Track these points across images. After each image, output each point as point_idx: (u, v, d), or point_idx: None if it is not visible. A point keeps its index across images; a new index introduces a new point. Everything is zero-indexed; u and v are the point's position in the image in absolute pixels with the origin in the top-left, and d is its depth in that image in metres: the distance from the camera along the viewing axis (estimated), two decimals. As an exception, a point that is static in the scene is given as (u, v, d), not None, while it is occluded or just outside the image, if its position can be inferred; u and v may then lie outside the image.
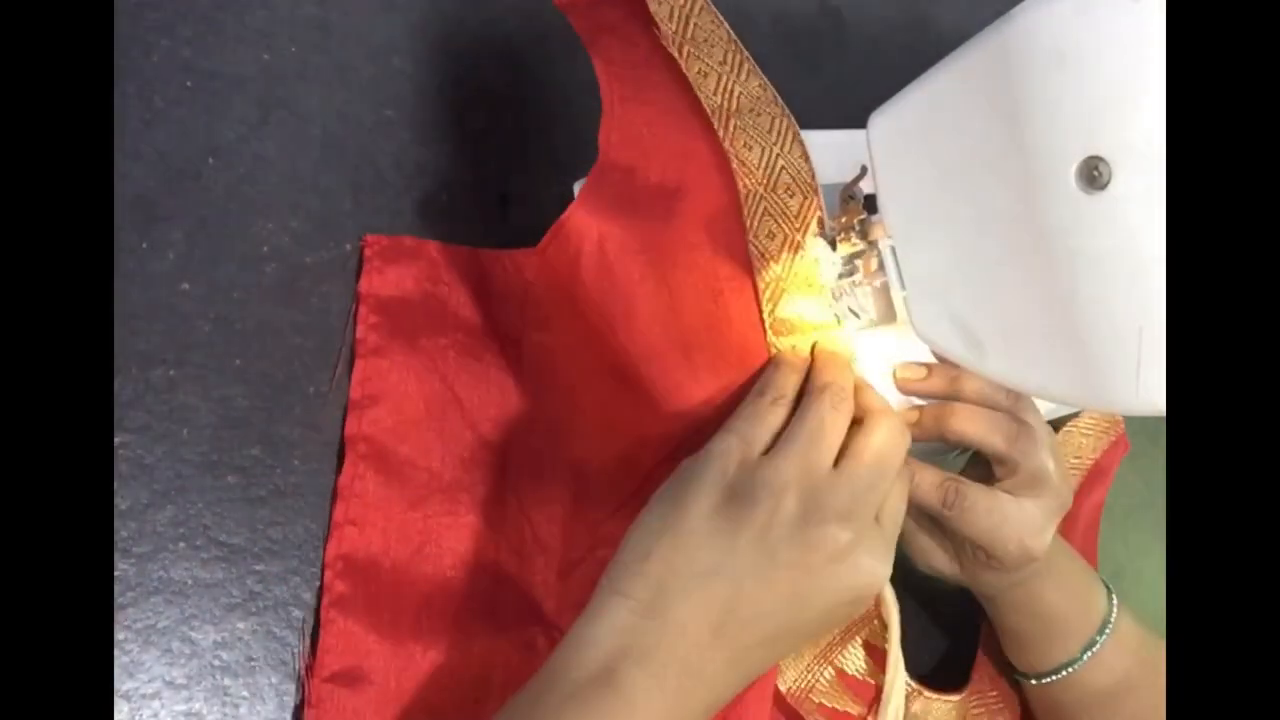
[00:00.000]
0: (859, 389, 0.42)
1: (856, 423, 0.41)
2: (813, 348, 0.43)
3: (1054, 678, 0.50)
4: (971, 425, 0.45)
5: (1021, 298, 0.37)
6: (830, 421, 0.40)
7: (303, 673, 0.43)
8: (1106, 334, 0.35)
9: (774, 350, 0.43)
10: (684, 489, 0.40)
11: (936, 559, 0.49)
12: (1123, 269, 0.34)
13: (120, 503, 0.41)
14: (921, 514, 0.47)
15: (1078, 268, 0.35)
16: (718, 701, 0.39)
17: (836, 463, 0.40)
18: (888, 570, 0.40)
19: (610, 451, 0.47)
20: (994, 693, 0.54)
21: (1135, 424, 0.66)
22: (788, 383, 0.42)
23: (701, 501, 0.39)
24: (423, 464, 0.46)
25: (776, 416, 0.41)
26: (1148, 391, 0.35)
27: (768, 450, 0.40)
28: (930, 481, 0.45)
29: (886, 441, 0.40)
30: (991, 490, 0.45)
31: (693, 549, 0.39)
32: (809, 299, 0.44)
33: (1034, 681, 0.51)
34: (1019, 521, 0.45)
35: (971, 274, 0.39)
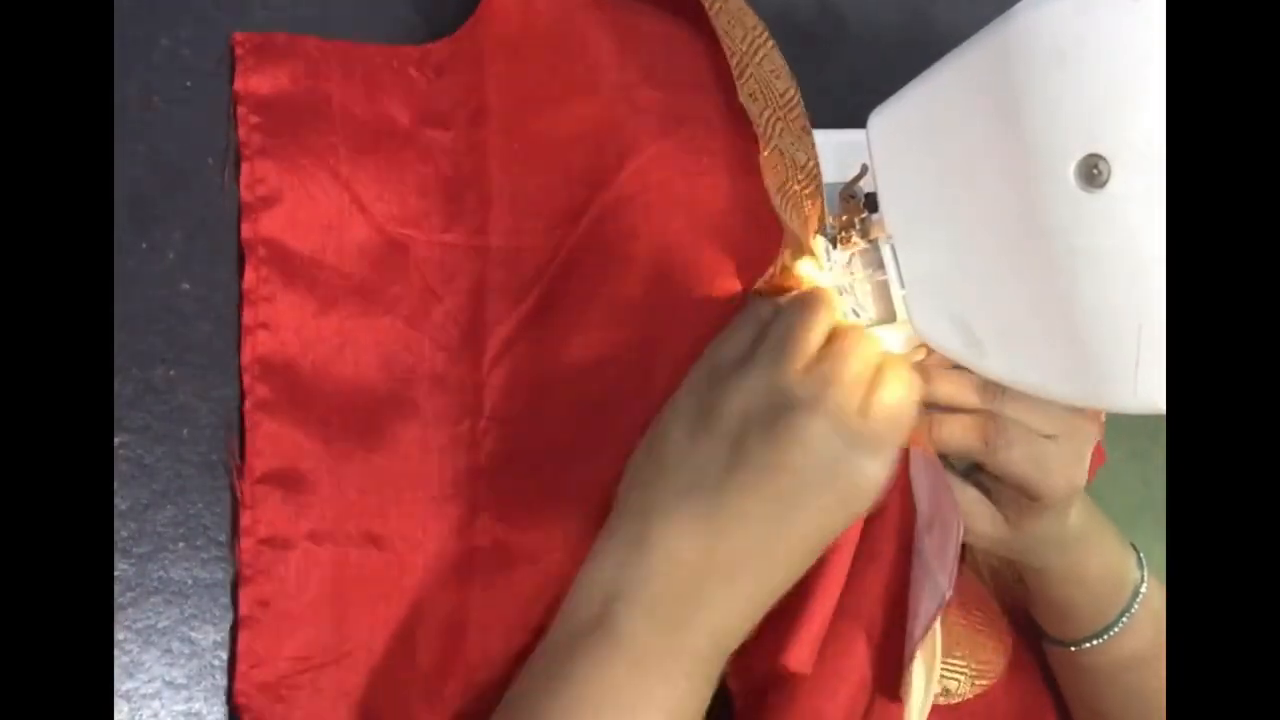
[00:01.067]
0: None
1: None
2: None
3: (1096, 642, 0.51)
4: (943, 432, 0.44)
5: (1021, 296, 0.37)
6: (800, 322, 0.39)
7: (233, 477, 0.42)
8: (1106, 332, 0.35)
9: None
10: (663, 417, 0.40)
11: (981, 522, 0.47)
12: (1122, 267, 0.34)
13: (120, 503, 0.41)
14: (959, 478, 0.47)
15: (1077, 266, 0.35)
16: (724, 627, 0.38)
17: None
18: (880, 468, 0.38)
19: (537, 227, 0.46)
20: (979, 612, 0.52)
21: (1135, 424, 0.66)
22: (762, 306, 0.41)
23: (678, 423, 0.39)
24: (330, 264, 0.45)
25: (748, 333, 0.40)
26: (1147, 390, 0.35)
27: None
28: (966, 423, 0.44)
29: (865, 341, 0.39)
30: (1027, 430, 0.44)
31: (671, 470, 0.38)
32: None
33: (1074, 648, 0.51)
34: (1058, 455, 0.44)
35: (971, 272, 0.39)
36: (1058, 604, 0.51)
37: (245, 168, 0.45)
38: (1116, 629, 0.50)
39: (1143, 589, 0.51)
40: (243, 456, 0.43)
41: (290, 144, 0.45)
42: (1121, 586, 0.50)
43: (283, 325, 0.44)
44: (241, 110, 0.45)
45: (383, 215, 0.46)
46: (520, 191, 0.47)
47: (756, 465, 0.37)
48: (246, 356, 0.44)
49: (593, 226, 0.46)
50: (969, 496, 0.47)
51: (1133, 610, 0.50)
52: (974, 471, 0.48)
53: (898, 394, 0.39)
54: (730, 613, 0.38)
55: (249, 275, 0.44)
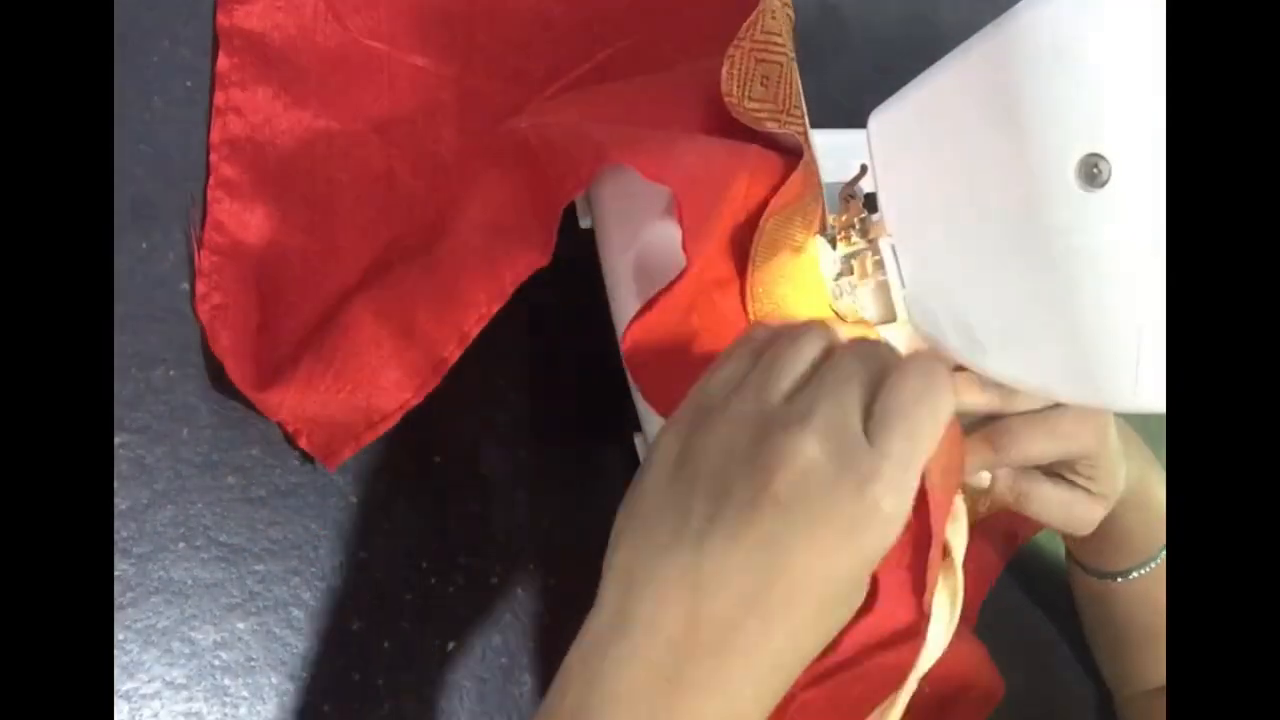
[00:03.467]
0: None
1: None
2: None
3: (1146, 570, 0.52)
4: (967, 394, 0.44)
5: (1021, 296, 0.37)
6: (790, 352, 0.33)
7: (193, 245, 0.44)
8: (1106, 332, 0.35)
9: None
10: (643, 468, 0.34)
11: (1079, 505, 0.48)
12: (1122, 267, 0.34)
13: (120, 503, 0.41)
14: (1036, 479, 0.47)
15: (1077, 265, 0.35)
16: (727, 710, 0.30)
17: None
18: (892, 494, 0.30)
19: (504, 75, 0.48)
20: None
21: (1135, 424, 0.66)
22: (756, 336, 0.36)
23: (659, 466, 0.33)
24: (303, 65, 0.46)
25: (738, 366, 0.34)
26: (1147, 390, 0.35)
27: None
28: (974, 447, 0.44)
29: (864, 345, 0.34)
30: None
31: (652, 522, 0.32)
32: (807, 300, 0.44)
33: (1120, 579, 0.53)
34: (1071, 417, 0.45)
35: (971, 272, 0.39)
36: (1117, 535, 0.52)
37: None
38: (1159, 559, 0.52)
39: None
40: (202, 229, 0.44)
41: None
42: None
43: (254, 110, 0.45)
44: None
45: (358, 28, 0.47)
46: (497, 40, 0.49)
47: (738, 503, 0.30)
48: (215, 137, 0.45)
49: (558, 93, 0.47)
50: (1062, 492, 0.48)
51: None
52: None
53: (908, 395, 0.32)
54: (726, 695, 0.30)
55: (222, 60, 0.45)
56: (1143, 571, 0.53)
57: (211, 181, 0.45)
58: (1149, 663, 0.56)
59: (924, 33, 0.69)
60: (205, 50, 0.46)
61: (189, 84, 0.46)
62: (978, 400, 0.44)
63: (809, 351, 0.34)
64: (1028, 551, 0.63)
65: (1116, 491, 0.49)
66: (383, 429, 0.44)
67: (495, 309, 0.43)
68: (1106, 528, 0.51)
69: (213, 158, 0.45)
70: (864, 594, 0.32)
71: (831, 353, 0.34)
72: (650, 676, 0.30)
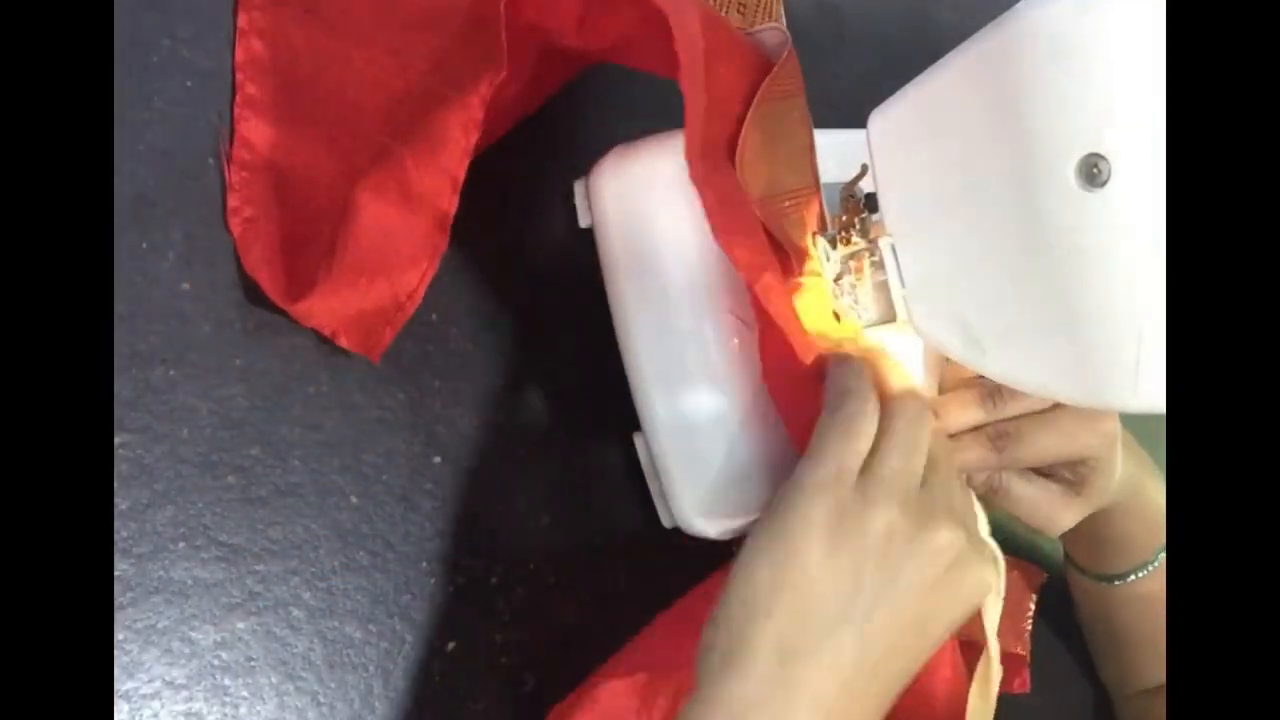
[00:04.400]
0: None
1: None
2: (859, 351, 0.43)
3: (1142, 573, 0.52)
4: (965, 459, 0.45)
5: (1021, 295, 0.37)
6: (920, 432, 0.39)
7: (223, 161, 0.45)
8: (1106, 332, 0.35)
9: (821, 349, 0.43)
10: (790, 530, 0.36)
11: (1055, 506, 0.48)
12: (1122, 267, 0.34)
13: (120, 503, 0.41)
14: (1014, 476, 0.47)
15: (1077, 265, 0.35)
16: None
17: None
18: (995, 571, 0.39)
19: None
20: None
21: (1135, 424, 0.66)
22: (866, 391, 0.39)
23: (814, 541, 0.36)
24: None
25: (866, 430, 0.38)
26: (1147, 390, 0.35)
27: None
28: (970, 440, 0.45)
29: (947, 444, 0.41)
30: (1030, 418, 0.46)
31: (818, 597, 0.35)
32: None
33: (1118, 582, 0.53)
34: (1070, 416, 0.45)
35: (971, 272, 0.39)
36: (1114, 539, 0.52)
37: None
38: (1157, 561, 0.52)
39: None
40: (231, 146, 0.45)
41: None
42: (1165, 518, 0.52)
43: (274, 32, 0.46)
44: None
45: None
46: None
47: (904, 584, 0.36)
48: (239, 58, 0.46)
49: None
50: (1040, 490, 0.47)
51: None
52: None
53: (971, 507, 0.41)
54: None
55: None
56: (1141, 574, 0.53)
57: (238, 100, 0.46)
58: (1147, 663, 0.56)
59: (924, 33, 0.69)
60: (205, 50, 0.46)
61: (189, 84, 0.46)
62: (968, 418, 0.45)
63: (925, 433, 0.39)
64: (1026, 554, 0.63)
65: (1107, 495, 0.48)
66: (411, 307, 0.44)
67: (474, 138, 0.43)
68: (1103, 531, 0.52)
69: (238, 77, 0.46)
70: None
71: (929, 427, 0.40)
72: None
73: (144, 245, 0.44)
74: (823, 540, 0.36)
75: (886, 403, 0.40)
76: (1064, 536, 0.55)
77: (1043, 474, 0.48)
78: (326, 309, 0.44)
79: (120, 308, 0.42)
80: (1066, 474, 0.47)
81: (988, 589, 0.38)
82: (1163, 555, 0.52)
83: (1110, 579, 0.54)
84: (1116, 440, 0.47)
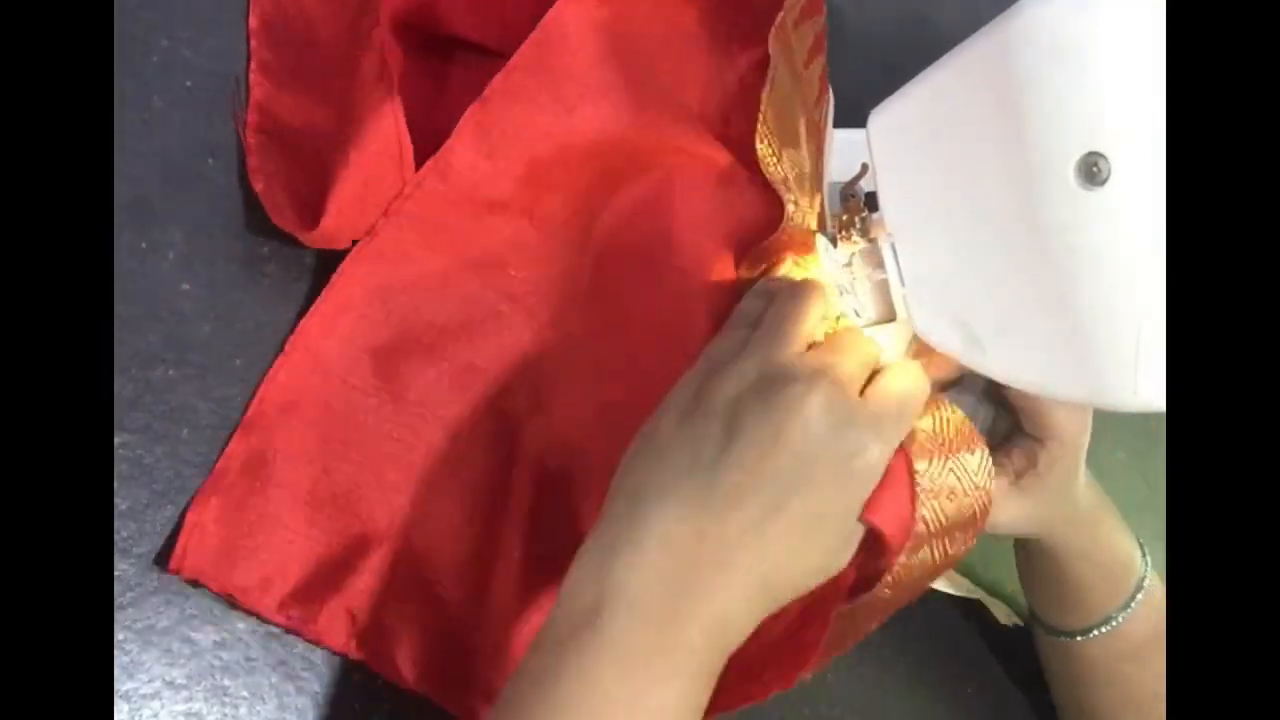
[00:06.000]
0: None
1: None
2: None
3: (1102, 630, 0.51)
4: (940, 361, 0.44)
5: (1020, 294, 0.37)
6: (794, 308, 0.39)
7: (238, 125, 0.46)
8: (1105, 331, 0.35)
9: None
10: (657, 414, 0.39)
11: (1000, 501, 0.47)
12: (1122, 266, 0.34)
13: (120, 503, 0.41)
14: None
15: (1077, 264, 0.35)
16: (728, 622, 0.36)
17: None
18: (882, 451, 0.37)
19: None
20: None
21: (1135, 424, 0.66)
22: (755, 306, 0.41)
23: (671, 412, 0.38)
24: None
25: (742, 333, 0.40)
26: (1147, 389, 0.35)
27: None
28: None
29: (862, 337, 0.40)
30: None
31: (663, 453, 0.37)
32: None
33: (1079, 638, 0.52)
34: None
35: (971, 271, 0.39)
36: (1069, 587, 0.51)
37: None
38: (1122, 618, 0.51)
39: (1146, 579, 0.51)
40: (246, 109, 0.46)
41: None
42: (1128, 572, 0.51)
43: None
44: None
45: None
46: None
47: (752, 440, 0.36)
48: (253, 23, 0.47)
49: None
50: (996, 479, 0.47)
51: (1138, 599, 0.51)
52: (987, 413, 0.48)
53: (902, 380, 0.39)
54: (724, 602, 0.35)
55: None
56: (1102, 630, 0.51)
57: (253, 66, 0.46)
58: None
59: (924, 33, 0.69)
60: (205, 50, 0.46)
61: (189, 84, 0.46)
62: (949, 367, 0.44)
63: (813, 320, 0.39)
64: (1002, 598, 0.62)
65: (1053, 507, 0.48)
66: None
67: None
68: (1061, 577, 0.51)
69: (252, 43, 0.47)
70: (854, 545, 0.38)
71: (832, 333, 0.40)
72: (660, 580, 0.35)
73: (144, 245, 0.44)
74: (677, 412, 0.38)
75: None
76: (1025, 584, 0.54)
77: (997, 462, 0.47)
78: (343, 222, 0.44)
79: (120, 308, 0.42)
80: (1023, 458, 0.47)
81: (868, 453, 0.36)
82: (1124, 615, 0.51)
83: (1071, 634, 0.52)
84: (1082, 437, 0.47)
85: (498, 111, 0.45)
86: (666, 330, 0.46)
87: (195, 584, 0.41)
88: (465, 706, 0.44)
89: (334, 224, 0.43)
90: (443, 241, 0.46)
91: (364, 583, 0.43)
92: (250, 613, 0.42)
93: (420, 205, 0.45)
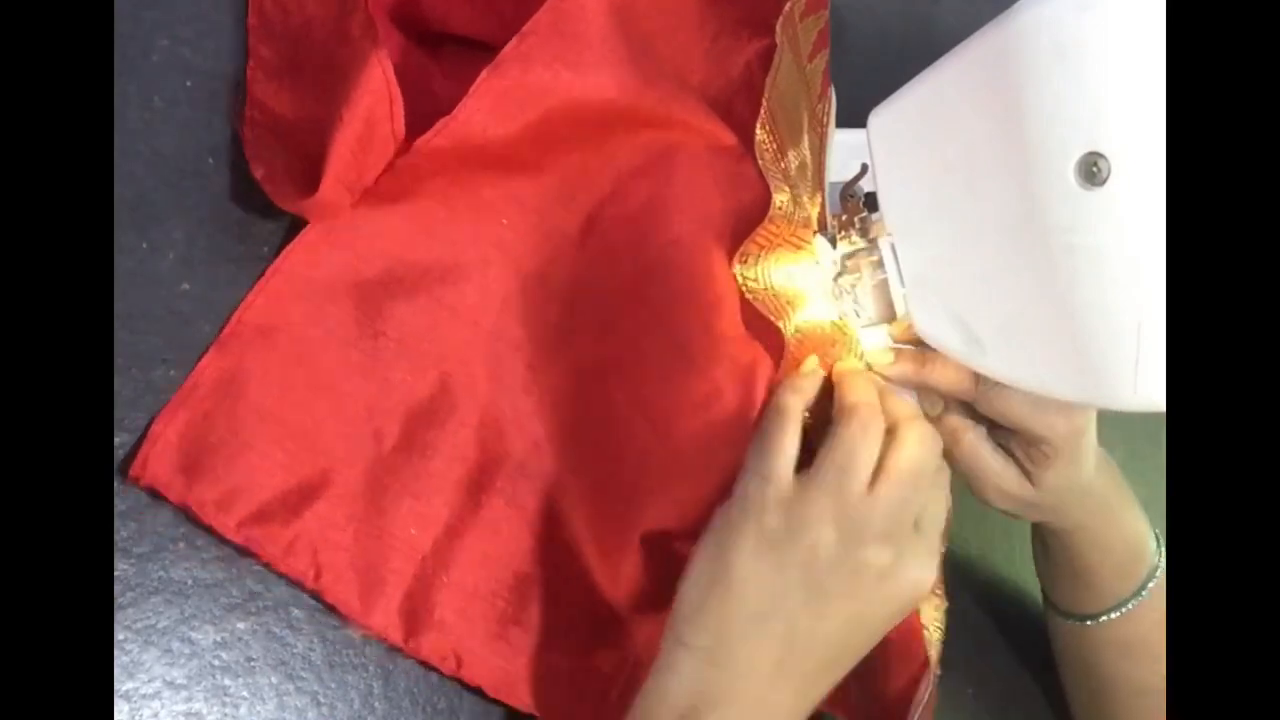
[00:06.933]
0: (883, 397, 0.42)
1: (889, 432, 0.41)
2: (830, 366, 0.44)
3: (1113, 615, 0.51)
4: (935, 372, 0.45)
5: (1020, 294, 0.37)
6: (861, 446, 0.41)
7: (233, 123, 0.46)
8: (1105, 331, 0.35)
9: (787, 353, 0.44)
10: (724, 538, 0.41)
11: (1007, 481, 0.48)
12: (1122, 266, 0.34)
13: (120, 503, 0.41)
14: (980, 436, 0.47)
15: (1076, 264, 0.35)
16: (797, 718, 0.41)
17: (871, 482, 0.40)
18: (933, 573, 0.42)
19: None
20: None
21: (1135, 423, 0.66)
22: (793, 409, 0.42)
23: (744, 547, 0.41)
24: None
25: (794, 442, 0.42)
26: (1146, 389, 0.35)
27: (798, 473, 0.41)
28: (955, 366, 0.44)
29: (918, 452, 0.41)
30: None
31: (743, 595, 0.40)
32: (809, 293, 0.44)
33: (1090, 623, 0.52)
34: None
35: (970, 270, 0.39)
36: (1082, 571, 0.52)
37: None
38: (1133, 603, 0.51)
39: (1159, 567, 0.51)
40: (244, 105, 0.46)
41: None
42: (1141, 559, 0.51)
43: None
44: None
45: None
46: None
47: (829, 594, 0.40)
48: (252, 20, 0.46)
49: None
50: (996, 460, 0.47)
51: (1150, 586, 0.51)
52: (990, 427, 0.48)
53: (944, 501, 0.43)
54: (800, 710, 0.41)
55: None
56: (1114, 615, 0.51)
57: (251, 64, 0.46)
58: (1121, 709, 0.53)
59: (924, 33, 0.69)
60: (205, 50, 0.46)
61: (189, 84, 0.46)
62: (954, 377, 0.45)
63: (874, 447, 0.41)
64: (1010, 604, 0.62)
65: (1059, 496, 0.48)
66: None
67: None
68: (1074, 562, 0.51)
69: (251, 40, 0.46)
70: None
71: (892, 434, 0.42)
72: (751, 699, 0.40)
73: (144, 245, 0.44)
74: (751, 545, 0.41)
75: (839, 412, 0.42)
76: (1039, 569, 0.55)
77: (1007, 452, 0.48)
78: (341, 187, 0.44)
79: (120, 308, 0.42)
80: (1021, 456, 0.47)
81: (923, 589, 0.41)
82: (1135, 600, 0.51)
83: (1083, 619, 0.53)
84: (1081, 439, 0.47)
85: (511, 76, 0.45)
86: (647, 298, 0.46)
87: (155, 494, 0.41)
88: (417, 644, 0.44)
89: (332, 190, 0.43)
90: (438, 189, 0.46)
91: (327, 513, 0.43)
92: (209, 529, 0.42)
93: (424, 159, 0.45)
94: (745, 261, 0.44)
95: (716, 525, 0.42)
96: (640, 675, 0.43)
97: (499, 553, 0.46)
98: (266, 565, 0.43)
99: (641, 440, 0.45)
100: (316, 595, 0.43)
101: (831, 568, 0.40)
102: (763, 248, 0.44)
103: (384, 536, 0.44)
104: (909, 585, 0.41)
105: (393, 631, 0.44)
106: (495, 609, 0.45)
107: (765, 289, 0.44)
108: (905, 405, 0.43)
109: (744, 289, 0.44)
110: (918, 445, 0.41)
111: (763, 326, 0.44)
